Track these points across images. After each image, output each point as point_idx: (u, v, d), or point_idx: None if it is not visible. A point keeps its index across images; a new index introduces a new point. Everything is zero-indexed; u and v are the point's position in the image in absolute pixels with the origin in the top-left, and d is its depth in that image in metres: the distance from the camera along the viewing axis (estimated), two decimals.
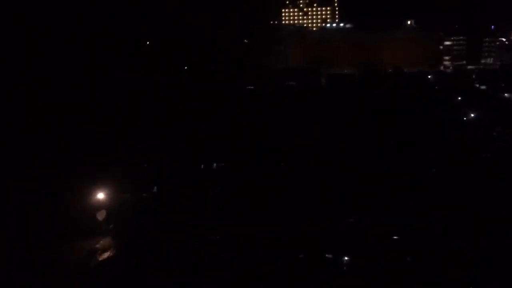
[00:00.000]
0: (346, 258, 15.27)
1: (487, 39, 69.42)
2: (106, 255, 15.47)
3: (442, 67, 65.69)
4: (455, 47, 69.88)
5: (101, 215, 17.02)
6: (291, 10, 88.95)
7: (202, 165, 20.35)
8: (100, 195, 17.28)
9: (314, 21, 78.51)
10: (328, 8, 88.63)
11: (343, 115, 29.16)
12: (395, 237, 15.90)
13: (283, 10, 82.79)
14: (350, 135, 24.89)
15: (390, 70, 50.63)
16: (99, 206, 17.15)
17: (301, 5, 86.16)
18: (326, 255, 15.48)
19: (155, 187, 17.95)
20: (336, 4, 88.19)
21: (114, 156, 19.59)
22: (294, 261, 15.28)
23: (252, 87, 38.79)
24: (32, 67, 21.92)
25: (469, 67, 64.47)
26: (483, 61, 69.23)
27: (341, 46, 62.70)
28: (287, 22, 75.47)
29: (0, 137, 19.60)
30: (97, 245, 15.57)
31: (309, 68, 50.28)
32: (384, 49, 61.97)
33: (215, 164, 20.28)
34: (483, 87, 47.44)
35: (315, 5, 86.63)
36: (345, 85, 44.64)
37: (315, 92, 38.19)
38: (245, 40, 46.54)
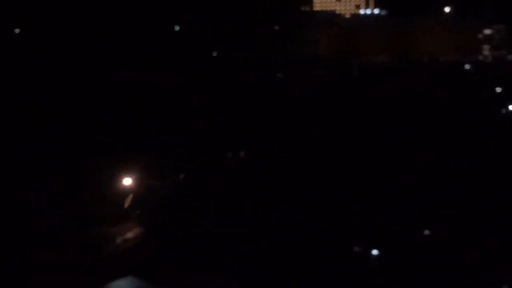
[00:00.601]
0: (374, 252, 15.15)
1: None
2: (130, 241, 15.72)
3: (481, 57, 64.03)
4: (495, 36, 67.93)
5: (127, 202, 17.26)
6: None
7: (229, 154, 20.39)
8: (127, 182, 17.48)
9: (347, 7, 77.17)
10: None
11: (375, 107, 28.74)
12: (426, 233, 15.70)
13: None
14: (383, 128, 24.51)
15: (426, 59, 49.76)
16: (126, 192, 17.37)
17: None
18: (354, 249, 15.43)
19: (182, 174, 18.06)
20: None
21: (140, 144, 19.84)
22: (321, 253, 15.25)
23: (282, 76, 38.52)
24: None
25: (509, 56, 62.71)
26: None
27: (375, 33, 61.66)
28: (318, 8, 74.45)
29: (23, 130, 20.02)
30: (120, 231, 15.84)
31: (341, 57, 49.63)
32: (420, 37, 60.60)
33: (241, 153, 20.31)
34: None
35: None
36: (378, 75, 44.00)
37: (346, 82, 37.73)
38: (275, 27, 46.06)
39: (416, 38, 60.43)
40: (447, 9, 66.28)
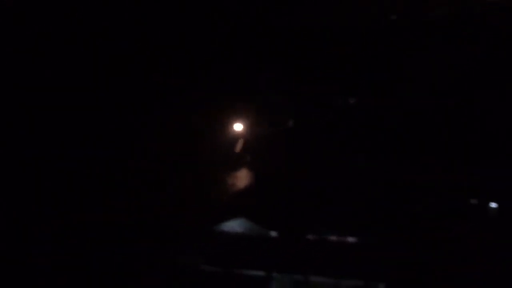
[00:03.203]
0: (493, 205, 14.68)
1: None
2: (241, 184, 16.40)
3: None
4: None
5: (239, 147, 17.97)
6: None
7: (338, 100, 20.11)
8: (238, 128, 18.05)
9: None
10: None
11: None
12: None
13: None
14: None
15: None
16: (237, 138, 18.02)
17: None
18: (471, 201, 15.03)
19: (291, 121, 18.34)
20: None
21: (251, 91, 20.02)
22: (438, 205, 14.96)
23: None
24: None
25: None
26: None
27: None
28: None
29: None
30: (232, 175, 16.52)
31: None
32: None
33: (350, 99, 19.92)
34: None
35: None
36: None
37: None
38: None
39: None
40: None
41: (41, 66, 20.16)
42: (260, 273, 12.80)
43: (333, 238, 13.76)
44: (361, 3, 24.33)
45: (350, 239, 13.69)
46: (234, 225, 14.50)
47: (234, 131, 17.94)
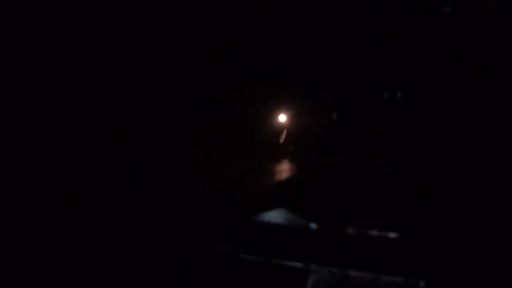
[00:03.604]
0: None
1: None
2: (283, 175, 16.48)
3: None
4: None
5: (282, 138, 18.05)
6: None
7: (385, 94, 19.87)
8: (282, 118, 18.13)
9: None
10: None
11: None
12: None
13: None
14: None
15: None
16: (281, 129, 18.11)
17: None
18: None
19: (335, 113, 18.23)
20: None
21: (297, 83, 20.05)
22: (485, 203, 14.51)
23: None
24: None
25: None
26: None
27: None
28: None
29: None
30: (275, 166, 16.65)
31: None
32: None
33: (398, 93, 19.66)
34: None
35: None
36: None
37: None
38: None
39: None
40: None
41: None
42: (299, 264, 12.88)
43: (374, 232, 13.63)
44: None
45: (392, 235, 13.54)
46: (274, 216, 14.58)
47: (278, 122, 18.03)
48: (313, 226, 14.10)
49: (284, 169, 16.83)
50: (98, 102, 15.51)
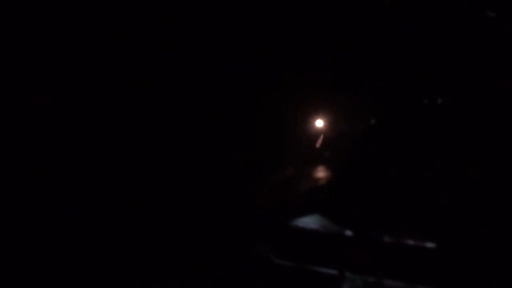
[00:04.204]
0: None
1: None
2: (319, 181, 16.42)
3: None
4: None
5: (319, 143, 17.97)
6: None
7: (425, 100, 19.61)
8: (319, 124, 18.08)
9: None
10: None
11: None
12: None
13: None
14: None
15: None
16: (318, 134, 18.06)
17: None
18: None
19: (373, 119, 18.05)
20: None
21: (334, 87, 20.09)
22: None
23: None
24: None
25: None
26: None
27: None
28: None
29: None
30: (311, 171, 16.61)
31: None
32: None
33: (439, 99, 19.36)
34: None
35: None
36: None
37: None
38: None
39: None
40: None
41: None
42: (332, 271, 12.76)
43: (410, 242, 13.40)
44: None
45: (429, 244, 13.29)
46: (309, 221, 14.49)
47: (315, 127, 17.98)
48: (348, 233, 13.97)
49: (320, 175, 16.76)
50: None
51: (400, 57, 18.75)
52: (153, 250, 11.44)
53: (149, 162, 14.69)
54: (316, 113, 17.66)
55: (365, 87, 18.23)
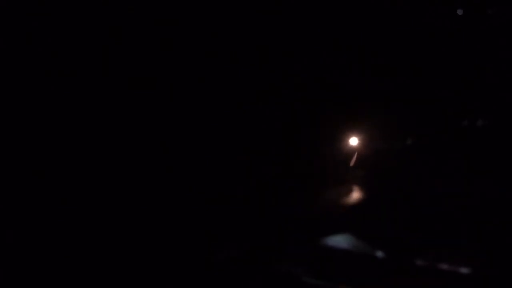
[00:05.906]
0: None
1: None
2: (352, 200, 16.25)
3: None
4: None
5: (353, 161, 17.69)
6: None
7: (465, 122, 19.16)
8: (353, 141, 17.84)
9: None
10: None
11: None
12: None
13: None
14: None
15: None
16: (352, 152, 17.82)
17: None
18: None
19: (409, 139, 17.75)
20: None
21: (372, 104, 19.86)
22: None
23: None
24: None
25: None
26: None
27: None
28: None
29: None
30: (344, 190, 16.45)
31: None
32: None
33: (479, 121, 18.90)
34: None
35: None
36: None
37: None
38: None
39: None
40: None
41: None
42: None
43: (444, 266, 13.09)
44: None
45: (463, 270, 12.94)
46: (340, 240, 14.33)
47: (349, 145, 17.72)
48: (380, 254, 13.71)
49: (353, 193, 16.52)
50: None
51: (442, 77, 18.46)
52: (185, 264, 11.50)
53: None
54: (351, 130, 17.50)
55: (404, 105, 17.95)
